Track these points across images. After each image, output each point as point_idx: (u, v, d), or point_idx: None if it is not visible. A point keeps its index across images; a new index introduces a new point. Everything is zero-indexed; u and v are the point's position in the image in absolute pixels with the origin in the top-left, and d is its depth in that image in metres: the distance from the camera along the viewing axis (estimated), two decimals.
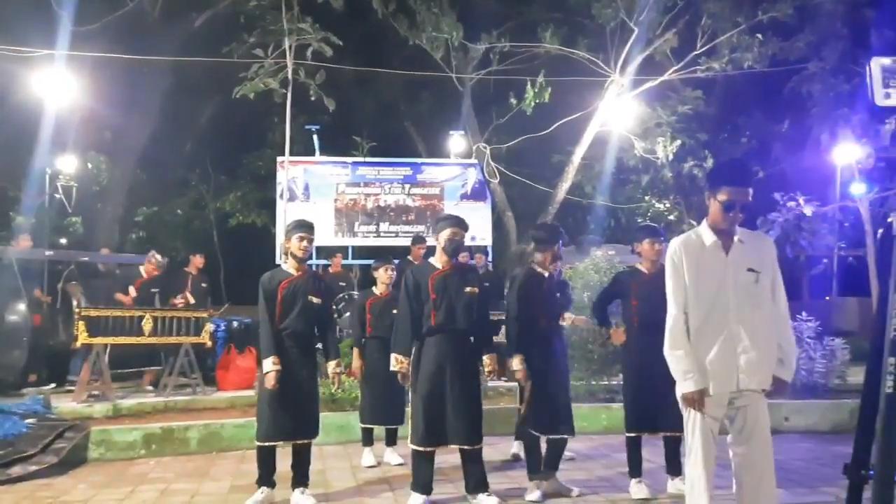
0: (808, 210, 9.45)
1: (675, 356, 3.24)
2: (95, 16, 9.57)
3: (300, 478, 4.71)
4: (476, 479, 4.53)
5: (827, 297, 12.06)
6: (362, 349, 5.91)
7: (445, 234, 4.56)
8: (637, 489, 4.77)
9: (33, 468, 5.61)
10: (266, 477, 4.69)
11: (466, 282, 4.56)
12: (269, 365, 4.54)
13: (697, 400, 3.17)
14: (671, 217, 13.95)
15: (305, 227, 4.79)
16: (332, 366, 4.86)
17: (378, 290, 5.99)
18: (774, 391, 3.20)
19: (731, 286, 3.17)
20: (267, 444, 4.64)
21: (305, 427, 4.69)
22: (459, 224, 4.61)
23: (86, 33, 9.39)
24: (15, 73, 9.57)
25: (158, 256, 9.10)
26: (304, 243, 4.72)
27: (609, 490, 4.98)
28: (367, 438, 6.04)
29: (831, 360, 8.03)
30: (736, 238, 3.24)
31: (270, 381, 4.52)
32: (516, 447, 6.09)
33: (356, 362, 5.91)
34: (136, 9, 10.21)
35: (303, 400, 4.68)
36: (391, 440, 6.00)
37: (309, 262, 4.80)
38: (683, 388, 3.20)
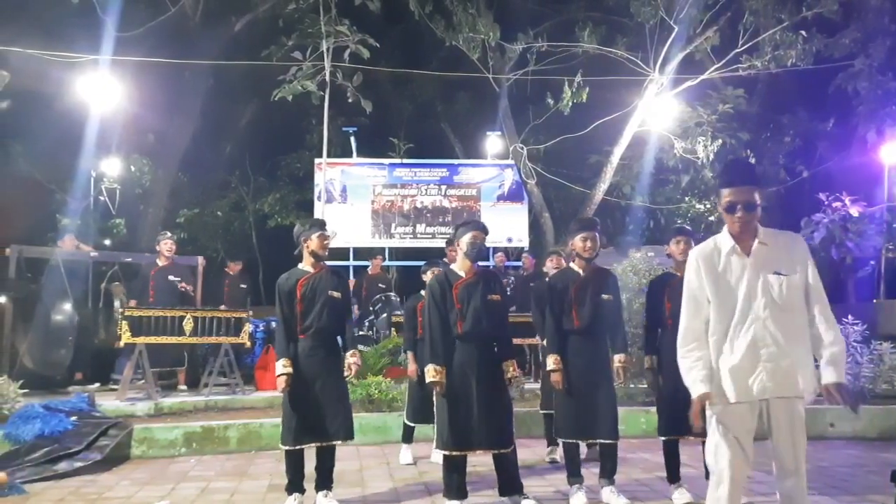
0: (854, 210, 9.23)
1: (681, 364, 3.13)
2: (138, 21, 9.75)
3: (323, 480, 4.66)
4: (509, 481, 4.50)
5: (874, 300, 11.73)
6: (415, 352, 5.93)
7: (466, 238, 4.51)
8: (679, 495, 4.69)
9: (78, 464, 5.74)
10: (296, 483, 4.65)
11: (490, 289, 4.52)
12: (281, 368, 4.53)
13: (697, 412, 3.01)
14: (711, 218, 13.72)
15: (323, 225, 4.86)
16: (347, 355, 4.79)
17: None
18: (835, 397, 2.93)
19: (757, 290, 3.02)
20: (293, 448, 4.57)
21: (334, 430, 4.59)
22: (479, 227, 4.57)
23: (129, 39, 9.58)
24: (62, 78, 9.78)
25: (169, 235, 8.72)
26: (326, 241, 4.76)
27: (649, 496, 4.91)
28: (408, 436, 6.11)
29: (879, 365, 7.85)
30: (756, 241, 3.07)
31: (281, 385, 4.52)
32: (551, 451, 6.06)
33: (411, 366, 5.96)
34: (178, 14, 10.38)
35: (330, 401, 4.60)
36: None
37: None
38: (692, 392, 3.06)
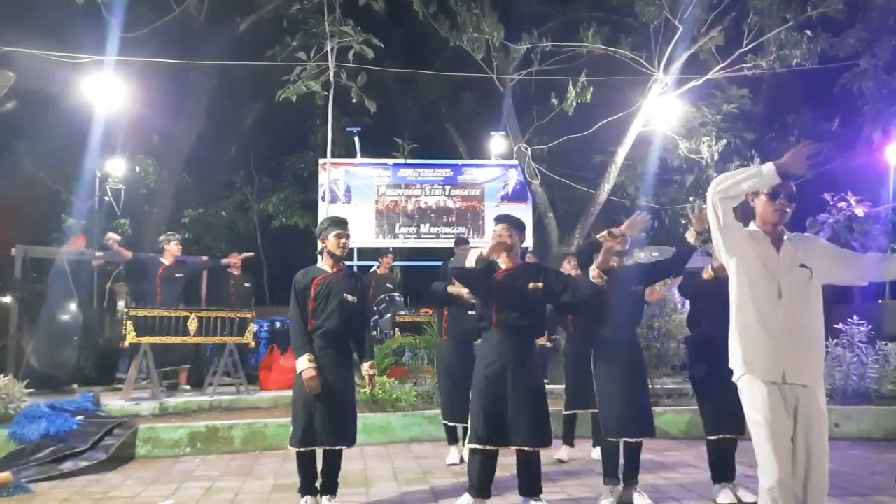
0: (859, 210, 9.18)
1: (725, 184, 3.13)
2: (143, 22, 9.77)
3: (328, 485, 4.63)
4: (530, 481, 4.46)
5: (879, 301, 11.71)
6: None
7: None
8: (723, 495, 4.72)
9: (83, 464, 5.76)
10: (308, 485, 4.61)
11: (531, 280, 4.48)
12: (305, 363, 4.43)
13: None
14: None
15: (342, 224, 4.72)
16: (366, 367, 4.70)
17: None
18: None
19: (784, 280, 3.10)
20: (303, 449, 4.52)
21: (340, 434, 4.52)
22: (508, 220, 4.55)
23: (134, 39, 9.59)
24: (67, 79, 9.81)
25: (177, 237, 8.70)
26: (343, 240, 4.63)
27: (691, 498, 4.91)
28: (452, 436, 6.05)
29: (884, 365, 7.84)
30: (786, 237, 3.20)
31: (311, 383, 4.39)
32: (561, 452, 6.07)
33: None
34: (183, 15, 10.38)
35: (337, 404, 4.52)
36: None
37: (349, 262, 4.76)
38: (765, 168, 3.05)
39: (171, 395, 7.88)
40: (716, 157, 10.71)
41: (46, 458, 5.68)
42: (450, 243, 8.65)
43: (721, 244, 3.20)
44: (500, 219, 4.59)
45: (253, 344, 8.45)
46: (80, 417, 6.29)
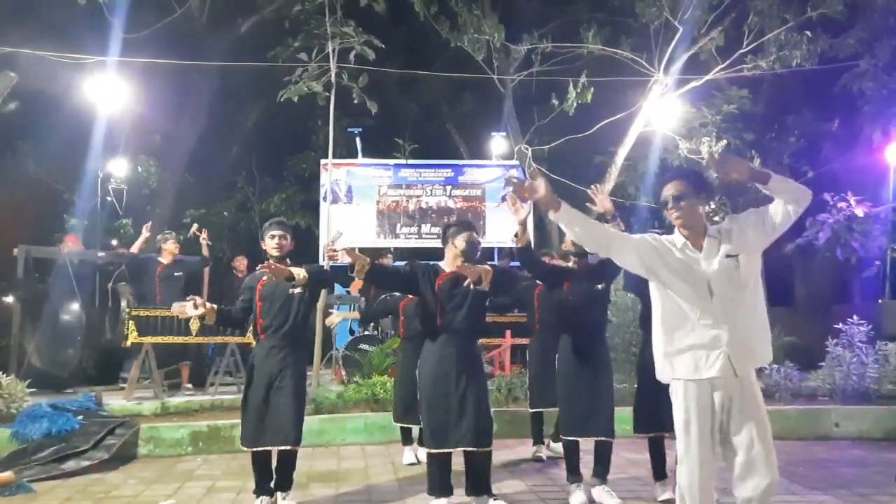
0: (859, 211, 9.20)
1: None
2: (145, 23, 9.79)
3: (282, 481, 4.64)
4: (480, 481, 4.49)
5: (879, 301, 11.70)
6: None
7: (462, 237, 4.47)
8: (661, 491, 4.76)
9: (85, 463, 5.78)
10: (261, 485, 4.62)
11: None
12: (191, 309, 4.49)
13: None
14: (716, 218, 13.69)
15: (277, 224, 4.72)
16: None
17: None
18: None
19: (712, 276, 3.09)
20: (252, 449, 4.52)
21: (280, 433, 4.45)
22: (471, 227, 4.60)
23: (136, 40, 9.61)
24: (69, 80, 9.84)
25: (174, 236, 8.72)
26: (277, 241, 4.64)
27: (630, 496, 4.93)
28: (407, 437, 6.12)
29: (884, 365, 7.84)
30: (707, 234, 3.17)
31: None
32: (538, 449, 6.09)
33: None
34: (185, 15, 10.41)
35: (280, 404, 4.48)
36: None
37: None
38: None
39: (172, 395, 7.90)
40: (716, 157, 10.72)
41: (48, 458, 5.70)
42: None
43: (631, 269, 3.28)
44: (468, 226, 4.61)
45: (254, 343, 8.45)
46: (81, 417, 6.31)
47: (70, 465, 5.73)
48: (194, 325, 7.65)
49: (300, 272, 4.52)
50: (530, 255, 4.79)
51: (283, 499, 4.62)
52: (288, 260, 4.70)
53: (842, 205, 9.27)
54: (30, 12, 10.59)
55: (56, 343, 8.41)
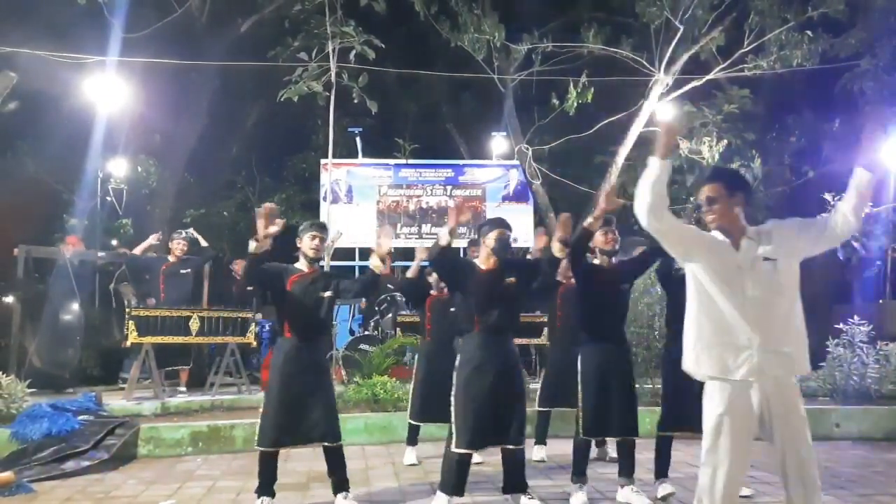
0: None
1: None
2: (145, 23, 9.78)
3: (340, 483, 4.62)
4: (516, 479, 4.51)
5: (880, 301, 11.70)
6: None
7: (493, 235, 4.52)
8: (661, 489, 4.79)
9: (85, 463, 5.76)
10: (266, 486, 4.59)
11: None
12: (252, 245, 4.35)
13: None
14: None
15: (318, 226, 4.75)
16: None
17: (435, 290, 6.01)
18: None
19: (749, 278, 3.05)
20: (268, 449, 4.51)
21: (319, 430, 4.47)
22: (504, 225, 4.60)
23: (136, 40, 9.61)
24: (69, 79, 9.83)
25: (184, 235, 8.60)
26: (317, 242, 4.65)
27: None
28: (413, 437, 6.08)
29: (885, 366, 7.84)
30: (745, 235, 3.11)
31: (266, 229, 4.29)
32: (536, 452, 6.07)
33: None
34: (184, 15, 10.39)
35: (315, 401, 4.48)
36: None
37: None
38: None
39: (172, 395, 7.89)
40: (717, 157, 10.72)
41: (48, 458, 5.69)
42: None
43: (673, 253, 3.22)
44: (499, 223, 4.61)
45: (255, 343, 8.45)
46: (82, 417, 6.29)
47: (70, 465, 5.71)
48: (194, 325, 7.64)
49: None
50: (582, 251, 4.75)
51: (346, 498, 4.59)
52: (322, 263, 4.73)
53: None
54: (30, 12, 10.58)
55: (56, 343, 8.39)
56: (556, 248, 4.39)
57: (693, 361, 3.13)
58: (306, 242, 4.68)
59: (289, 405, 4.46)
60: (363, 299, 9.90)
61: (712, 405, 3.07)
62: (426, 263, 5.56)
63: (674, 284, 4.81)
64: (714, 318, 3.07)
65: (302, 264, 4.71)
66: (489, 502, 4.75)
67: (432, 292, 6.00)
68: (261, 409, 4.58)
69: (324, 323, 4.74)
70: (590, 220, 4.56)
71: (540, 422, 6.18)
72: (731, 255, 3.09)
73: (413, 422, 6.04)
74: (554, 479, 5.39)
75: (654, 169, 3.01)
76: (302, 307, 4.59)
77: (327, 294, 4.64)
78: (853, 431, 7.10)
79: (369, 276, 4.74)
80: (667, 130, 3.09)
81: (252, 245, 4.36)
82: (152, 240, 8.69)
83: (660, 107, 10.50)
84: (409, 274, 6.02)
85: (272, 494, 4.61)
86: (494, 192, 12.93)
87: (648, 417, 6.93)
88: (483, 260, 4.57)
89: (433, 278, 5.95)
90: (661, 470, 4.85)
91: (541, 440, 6.17)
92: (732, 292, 3.04)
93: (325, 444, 4.55)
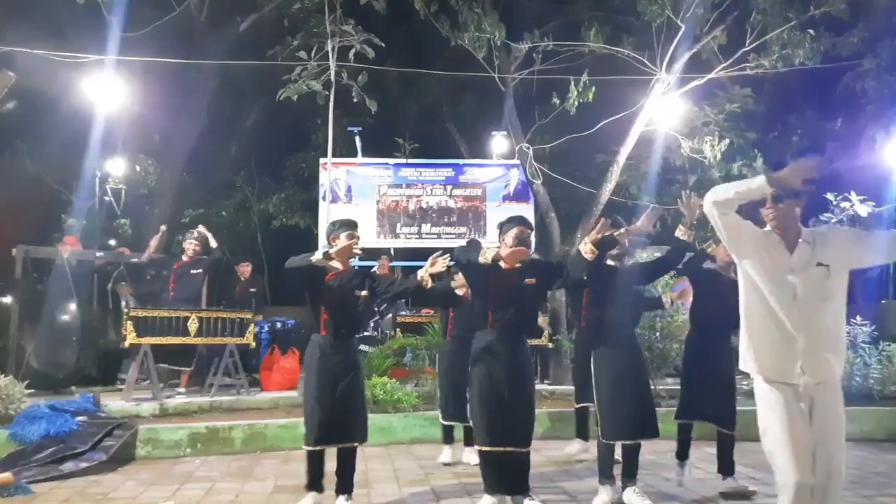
0: (862, 211, 9.15)
1: (719, 193, 3.09)
2: (144, 22, 9.74)
3: (344, 484, 4.63)
4: (520, 481, 4.50)
5: (882, 301, 11.67)
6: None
7: (513, 233, 4.54)
8: (685, 470, 5.00)
9: (84, 465, 5.75)
10: (314, 482, 4.61)
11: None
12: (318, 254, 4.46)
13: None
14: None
15: (354, 225, 4.80)
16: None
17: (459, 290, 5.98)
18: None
19: (800, 281, 3.02)
20: (315, 448, 4.54)
21: (351, 430, 4.55)
22: (524, 223, 4.61)
23: (135, 39, 9.57)
24: (68, 79, 9.80)
25: (195, 236, 8.48)
26: (355, 241, 4.68)
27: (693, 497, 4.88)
28: (447, 436, 6.10)
29: (887, 366, 7.82)
30: (801, 238, 3.08)
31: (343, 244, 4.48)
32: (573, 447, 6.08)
33: None
34: (183, 14, 10.35)
35: (348, 401, 4.55)
36: (470, 439, 5.93)
37: (351, 263, 4.76)
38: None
39: (171, 396, 7.85)
40: (718, 156, 10.69)
41: (47, 459, 5.67)
42: (451, 243, 8.63)
43: (728, 248, 3.20)
44: (519, 221, 4.59)
45: (253, 345, 8.42)
46: (80, 418, 6.27)
47: (68, 466, 5.69)
48: (193, 326, 7.61)
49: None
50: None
51: (347, 500, 4.59)
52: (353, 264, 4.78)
53: (845, 204, 9.22)
54: (28, 11, 10.55)
55: (54, 343, 8.37)
56: (587, 249, 4.38)
57: (748, 362, 3.13)
58: (344, 241, 4.67)
59: (329, 406, 4.50)
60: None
61: (764, 407, 3.06)
62: (451, 262, 5.53)
63: (701, 277, 4.87)
64: (763, 318, 3.07)
65: (336, 262, 4.71)
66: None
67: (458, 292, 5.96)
68: (303, 409, 4.65)
69: (358, 321, 4.81)
70: (682, 228, 4.59)
71: (578, 419, 6.20)
72: (784, 258, 3.07)
73: (445, 422, 6.07)
74: (569, 481, 5.37)
75: (755, 185, 3.01)
76: (338, 304, 4.62)
77: (363, 293, 4.69)
78: (855, 432, 7.06)
79: (413, 286, 4.74)
80: (794, 178, 2.96)
81: (319, 256, 4.45)
82: (156, 240, 8.63)
83: (661, 105, 10.46)
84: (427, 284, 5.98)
85: (321, 489, 4.63)
86: (495, 191, 12.90)
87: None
88: (503, 257, 4.52)
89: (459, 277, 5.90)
90: (683, 452, 5.04)
91: (582, 435, 6.18)
92: (783, 294, 3.03)
93: (355, 444, 4.60)
